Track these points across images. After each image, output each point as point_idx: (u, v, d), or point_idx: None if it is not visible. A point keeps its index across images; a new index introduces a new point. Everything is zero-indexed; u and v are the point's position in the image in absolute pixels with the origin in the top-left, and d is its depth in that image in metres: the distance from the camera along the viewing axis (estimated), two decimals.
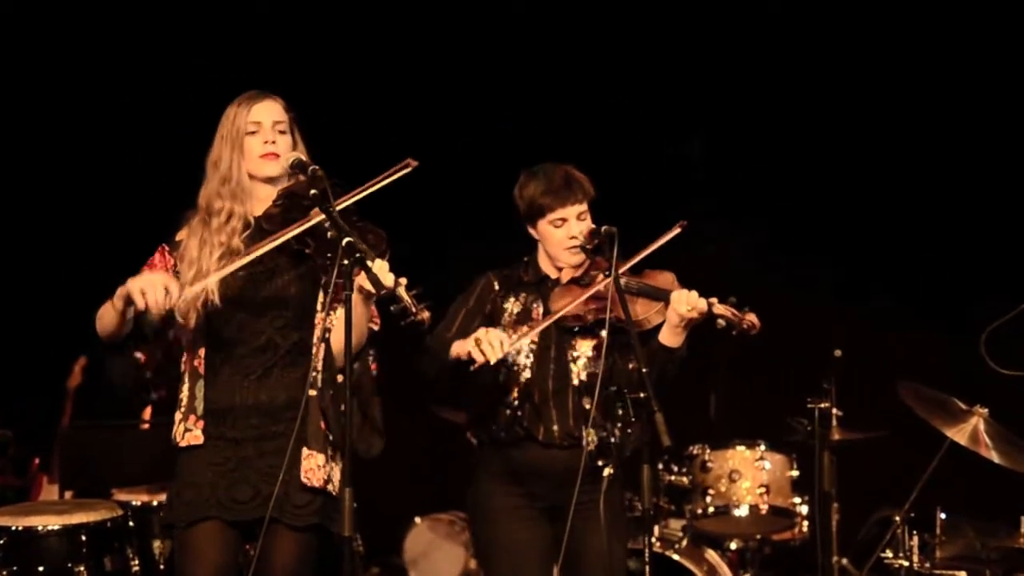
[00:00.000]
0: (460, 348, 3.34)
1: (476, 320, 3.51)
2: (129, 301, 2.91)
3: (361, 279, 2.89)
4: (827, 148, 5.76)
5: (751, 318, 3.40)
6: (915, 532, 4.25)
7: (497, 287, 3.57)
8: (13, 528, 3.68)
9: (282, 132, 3.16)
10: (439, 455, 5.18)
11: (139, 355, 3.16)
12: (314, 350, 3.07)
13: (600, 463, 3.47)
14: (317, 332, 3.09)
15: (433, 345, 3.46)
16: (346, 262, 2.85)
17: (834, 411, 4.43)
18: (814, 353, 4.41)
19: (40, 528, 3.69)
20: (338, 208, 2.98)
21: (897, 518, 4.24)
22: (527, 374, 3.48)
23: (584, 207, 3.53)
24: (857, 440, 4.47)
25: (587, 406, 3.45)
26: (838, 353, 4.30)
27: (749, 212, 5.78)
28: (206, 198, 3.15)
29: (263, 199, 3.15)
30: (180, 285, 2.96)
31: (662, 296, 3.44)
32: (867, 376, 4.69)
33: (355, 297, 2.92)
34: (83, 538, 3.72)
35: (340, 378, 3.02)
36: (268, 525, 2.97)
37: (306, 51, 5.71)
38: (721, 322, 3.37)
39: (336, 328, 3.08)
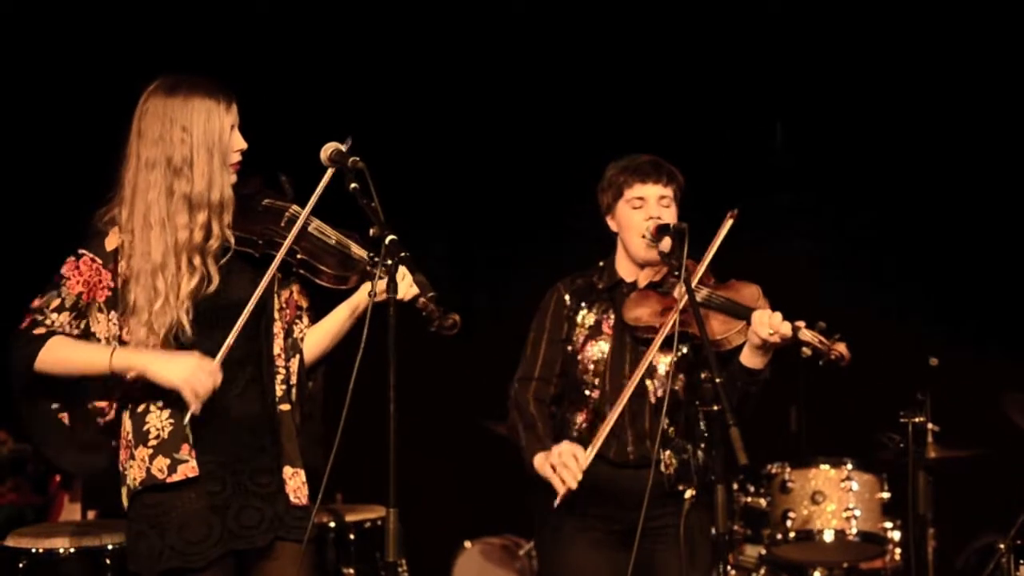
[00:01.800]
0: (541, 467, 3.39)
1: (559, 351, 3.53)
2: (121, 378, 2.88)
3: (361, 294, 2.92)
4: (922, 140, 5.71)
5: (841, 348, 3.30)
6: (1022, 561, 4.19)
7: (568, 300, 3.56)
8: (33, 550, 3.72)
9: None
10: (491, 473, 5.18)
11: (100, 404, 3.04)
12: (282, 363, 3.06)
13: (680, 488, 3.46)
14: (279, 343, 3.06)
15: (515, 421, 3.53)
16: (390, 262, 2.84)
17: (930, 426, 4.38)
18: (907, 361, 4.36)
19: (61, 550, 3.72)
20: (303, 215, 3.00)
21: (1002, 545, 4.18)
22: (596, 394, 3.48)
23: (667, 192, 3.51)
24: (956, 458, 4.41)
25: (665, 425, 3.43)
26: (934, 361, 4.24)
27: (839, 208, 5.74)
28: (161, 204, 2.94)
29: None
30: (212, 361, 2.90)
31: (744, 314, 3.38)
32: (967, 387, 4.63)
33: (350, 309, 2.94)
34: (107, 561, 3.74)
35: (311, 385, 3.10)
36: (275, 544, 3.00)
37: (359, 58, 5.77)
38: (807, 350, 3.30)
39: (309, 337, 3.11)
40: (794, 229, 5.79)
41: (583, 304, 3.55)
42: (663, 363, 3.47)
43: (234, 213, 3.01)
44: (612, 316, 3.52)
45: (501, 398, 3.63)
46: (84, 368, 2.91)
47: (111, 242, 2.97)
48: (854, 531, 4.77)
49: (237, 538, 2.98)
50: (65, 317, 2.93)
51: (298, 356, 3.09)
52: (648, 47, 5.83)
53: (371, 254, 2.99)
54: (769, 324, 3.30)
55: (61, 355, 2.91)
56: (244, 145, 3.03)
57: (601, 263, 3.62)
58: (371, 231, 2.98)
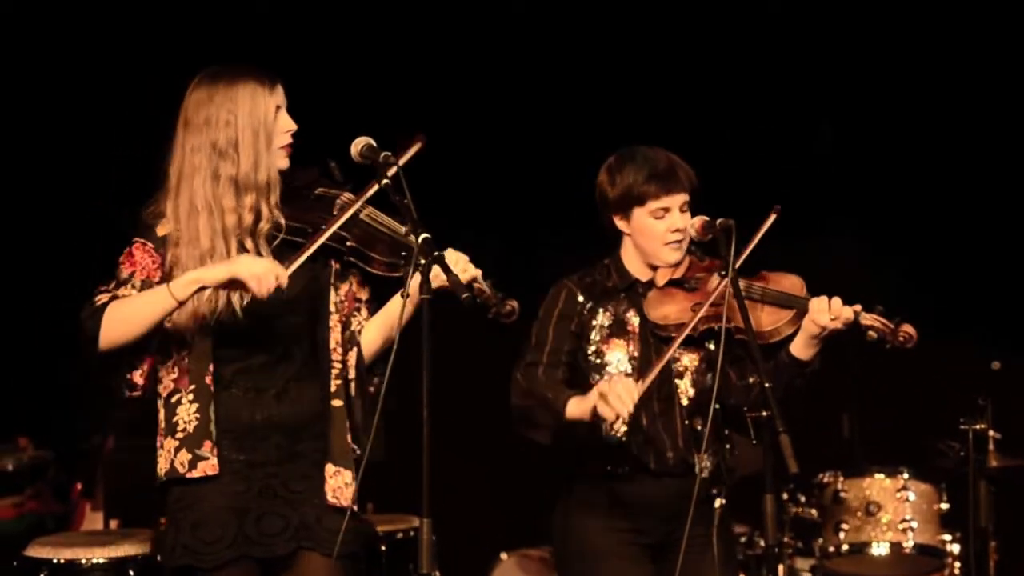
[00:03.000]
0: (581, 408, 3.24)
1: (567, 342, 3.47)
2: (222, 286, 2.88)
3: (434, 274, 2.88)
4: (977, 136, 5.67)
5: (908, 329, 3.31)
6: None
7: (581, 299, 3.51)
8: (54, 560, 3.75)
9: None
10: (529, 482, 5.18)
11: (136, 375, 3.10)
12: (339, 356, 3.08)
13: (713, 491, 3.46)
14: (335, 336, 3.08)
15: (529, 388, 3.39)
16: (423, 261, 2.84)
17: (991, 433, 4.35)
18: (968, 365, 4.33)
19: (83, 561, 3.76)
20: (352, 209, 3.01)
21: None
22: None
23: (687, 198, 3.49)
24: (1019, 467, 4.37)
25: (698, 427, 3.43)
26: (997, 365, 4.21)
27: (889, 205, 5.71)
28: (207, 188, 3.00)
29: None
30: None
31: (796, 304, 3.38)
32: None
33: (408, 307, 2.94)
34: (131, 572, 3.78)
35: (372, 389, 3.08)
36: (300, 554, 3.00)
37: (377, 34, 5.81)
38: (872, 334, 3.31)
39: (367, 330, 3.13)
40: (839, 227, 5.77)
41: (599, 303, 3.51)
42: (691, 361, 3.47)
43: (287, 202, 3.04)
44: (635, 315, 3.49)
45: None
46: (147, 314, 2.92)
47: (162, 230, 3.04)
48: (910, 544, 4.74)
49: (254, 544, 2.99)
50: (129, 290, 3.00)
51: (355, 349, 3.11)
52: (688, 39, 5.83)
53: (403, 253, 2.99)
54: (831, 309, 3.31)
55: (122, 313, 2.94)
56: (293, 126, 3.07)
57: (606, 261, 3.57)
58: (403, 229, 3.00)
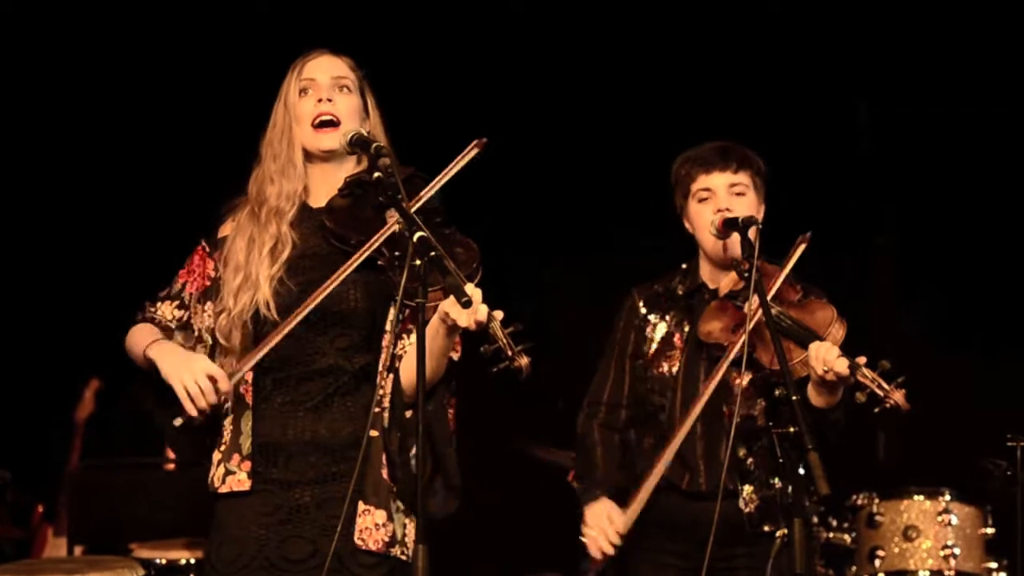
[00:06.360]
0: (584, 524, 3.45)
1: (627, 368, 3.54)
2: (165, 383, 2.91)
3: (448, 304, 2.83)
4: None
5: (898, 397, 3.22)
6: None
7: (643, 309, 3.55)
8: None
9: (345, 89, 3.13)
10: (537, 506, 5.19)
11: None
12: (382, 380, 3.02)
13: (767, 528, 3.43)
14: (383, 357, 3.04)
15: (579, 448, 3.58)
16: (418, 262, 2.79)
17: None
18: (1013, 377, 4.33)
19: None
20: (415, 206, 2.97)
21: None
22: (665, 416, 3.46)
23: (738, 178, 3.46)
24: None
25: (741, 454, 3.42)
26: None
27: (930, 206, 5.72)
28: (257, 183, 3.12)
29: (326, 183, 3.13)
30: (229, 373, 2.92)
31: (805, 342, 3.31)
32: None
33: (436, 324, 2.90)
34: None
35: (409, 414, 3.00)
36: None
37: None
38: (860, 396, 3.23)
39: (408, 356, 3.04)
40: (879, 229, 5.78)
41: (656, 313, 3.53)
42: (742, 383, 3.43)
43: (348, 206, 3.06)
44: (687, 327, 3.49)
45: (545, 422, 3.63)
46: (138, 356, 3.00)
47: (225, 228, 3.13)
48: (953, 572, 4.74)
49: (276, 570, 2.98)
50: (167, 307, 3.10)
51: (392, 376, 3.05)
52: (712, 24, 5.86)
53: (396, 252, 2.97)
54: (823, 359, 3.22)
55: (130, 342, 3.04)
56: (324, 95, 3.09)
57: (684, 265, 3.58)
58: (396, 227, 2.99)
